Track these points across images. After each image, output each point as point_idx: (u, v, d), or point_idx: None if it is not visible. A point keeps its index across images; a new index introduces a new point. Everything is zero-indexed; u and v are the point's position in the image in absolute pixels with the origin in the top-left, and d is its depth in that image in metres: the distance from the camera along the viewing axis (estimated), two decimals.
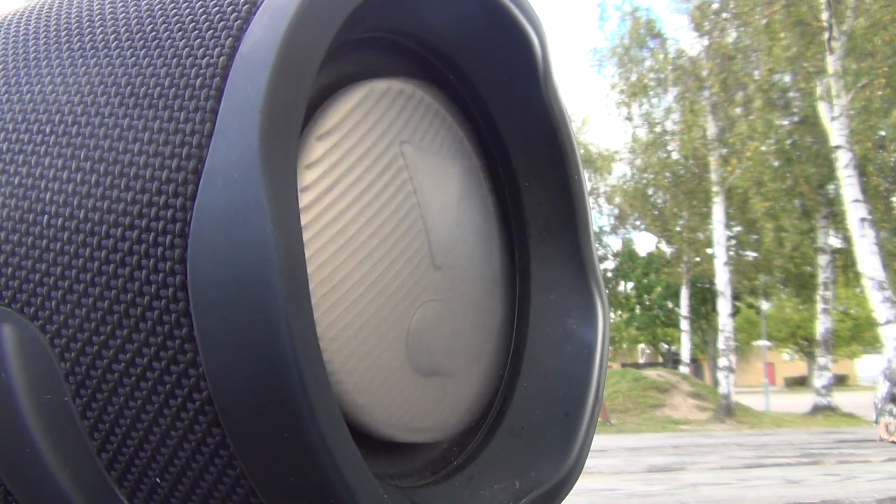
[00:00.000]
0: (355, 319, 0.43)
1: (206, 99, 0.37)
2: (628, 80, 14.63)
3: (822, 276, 13.56)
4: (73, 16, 0.44)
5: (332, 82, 0.46)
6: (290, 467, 0.35)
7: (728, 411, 12.82)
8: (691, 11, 13.25)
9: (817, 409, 13.58)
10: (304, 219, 0.41)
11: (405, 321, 0.47)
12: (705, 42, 12.95)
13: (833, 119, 10.16)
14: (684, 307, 17.13)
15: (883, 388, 9.62)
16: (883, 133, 11.66)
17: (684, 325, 17.36)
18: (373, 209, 0.45)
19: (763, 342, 23.48)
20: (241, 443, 0.35)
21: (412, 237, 0.47)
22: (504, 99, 0.55)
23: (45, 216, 0.38)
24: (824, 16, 10.14)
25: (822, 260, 13.58)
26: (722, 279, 13.36)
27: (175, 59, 0.38)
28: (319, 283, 0.41)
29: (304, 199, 0.41)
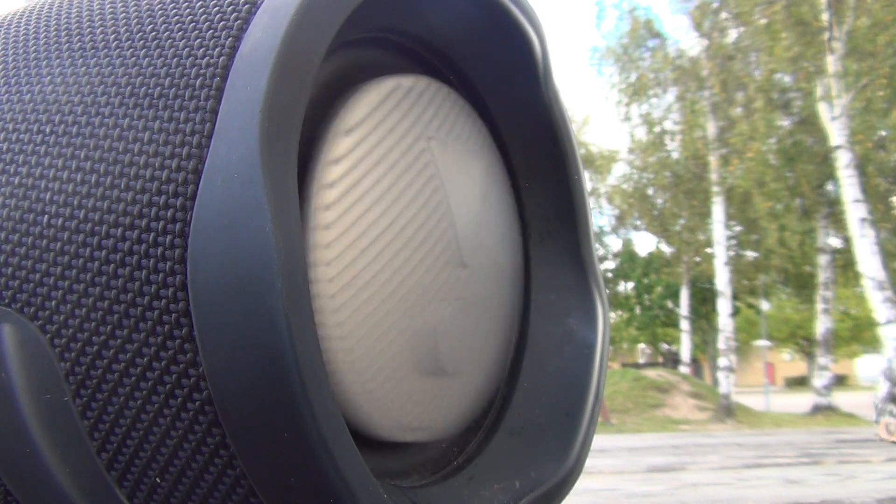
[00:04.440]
0: (384, 319, 0.43)
1: (206, 99, 0.37)
2: (627, 80, 14.62)
3: (822, 276, 13.56)
4: (73, 16, 0.44)
5: (352, 77, 0.45)
6: (290, 467, 0.35)
7: (728, 411, 12.83)
8: (691, 11, 13.24)
9: (817, 409, 13.58)
10: (330, 216, 0.40)
11: (431, 320, 0.46)
12: (705, 42, 12.94)
13: (833, 119, 10.16)
14: (684, 307, 17.14)
15: (883, 388, 9.62)
16: (883, 133, 11.66)
17: (684, 325, 17.37)
18: (401, 205, 0.44)
19: (763, 342, 23.48)
20: (241, 443, 0.35)
21: (440, 234, 0.47)
22: (504, 99, 0.55)
23: (45, 216, 0.38)
24: (825, 16, 10.14)
25: (822, 260, 13.58)
26: (722, 279, 13.36)
27: (175, 59, 0.38)
28: (348, 282, 0.41)
29: (329, 196, 0.41)
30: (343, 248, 0.41)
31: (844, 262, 13.93)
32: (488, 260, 0.52)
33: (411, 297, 0.45)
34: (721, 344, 13.65)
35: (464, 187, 0.50)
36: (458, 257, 0.48)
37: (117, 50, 0.40)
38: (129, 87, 0.39)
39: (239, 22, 0.38)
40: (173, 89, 0.38)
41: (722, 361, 13.58)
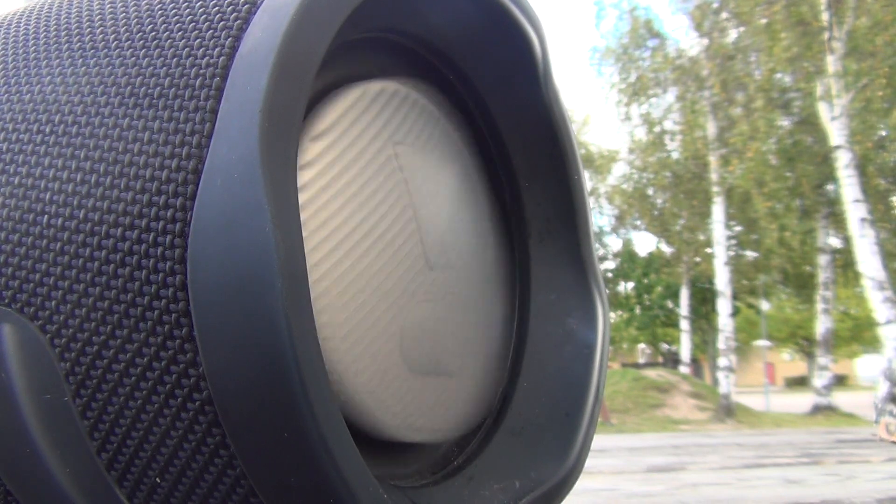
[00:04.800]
0: (349, 319, 0.43)
1: (206, 99, 0.37)
2: (627, 80, 14.62)
3: (822, 276, 13.56)
4: (73, 16, 0.44)
5: (329, 84, 0.46)
6: (290, 467, 0.35)
7: (728, 411, 12.83)
8: (691, 11, 13.24)
9: (817, 409, 13.58)
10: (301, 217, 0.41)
11: (400, 321, 0.46)
12: (705, 42, 12.94)
13: (833, 119, 10.16)
14: (684, 307, 17.15)
15: (883, 388, 9.64)
16: (883, 133, 11.66)
17: (684, 325, 17.38)
18: (367, 209, 0.45)
19: (763, 342, 23.48)
20: (241, 443, 0.35)
21: (406, 238, 0.47)
22: (504, 99, 0.55)
23: (45, 216, 0.38)
24: (825, 16, 10.14)
25: (822, 260, 13.58)
26: (722, 279, 13.36)
27: (175, 59, 0.38)
28: (313, 283, 0.41)
29: (300, 199, 0.41)
30: (309, 249, 0.41)
31: (844, 262, 13.93)
32: (460, 262, 0.52)
33: (385, 299, 0.45)
34: (721, 344, 13.65)
35: (433, 191, 0.50)
36: (432, 259, 0.49)
37: (117, 50, 0.40)
38: (129, 87, 0.39)
39: (239, 22, 0.38)
40: (173, 89, 0.38)
41: (722, 361, 13.58)
